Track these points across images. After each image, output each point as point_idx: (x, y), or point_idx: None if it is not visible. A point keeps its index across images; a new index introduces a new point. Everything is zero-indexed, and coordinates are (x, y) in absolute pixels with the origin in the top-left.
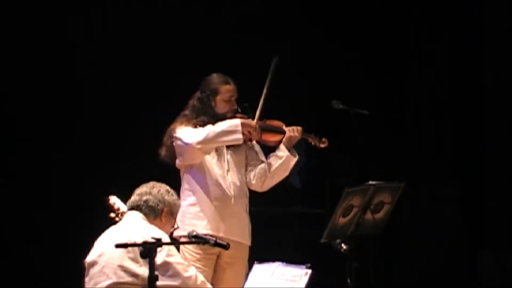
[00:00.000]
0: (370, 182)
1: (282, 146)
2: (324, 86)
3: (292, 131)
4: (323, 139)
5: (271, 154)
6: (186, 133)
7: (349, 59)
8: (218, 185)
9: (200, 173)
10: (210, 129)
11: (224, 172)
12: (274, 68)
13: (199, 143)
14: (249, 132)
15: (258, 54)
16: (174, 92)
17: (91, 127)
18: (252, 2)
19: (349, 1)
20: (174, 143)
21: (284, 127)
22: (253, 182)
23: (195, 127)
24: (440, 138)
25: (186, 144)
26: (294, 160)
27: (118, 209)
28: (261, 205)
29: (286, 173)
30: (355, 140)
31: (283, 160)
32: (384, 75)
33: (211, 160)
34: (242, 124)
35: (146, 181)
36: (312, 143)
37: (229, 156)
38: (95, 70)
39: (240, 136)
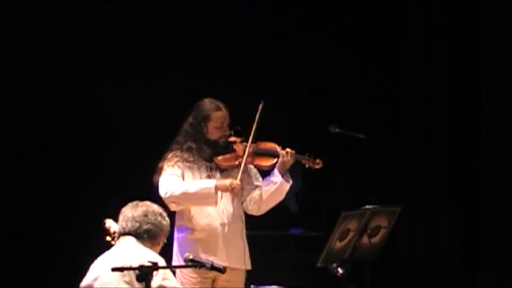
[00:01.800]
0: (367, 206)
1: (275, 171)
2: (322, 110)
3: (285, 156)
4: (317, 160)
5: (266, 179)
6: (165, 184)
7: (346, 80)
8: (211, 213)
9: None
10: (186, 189)
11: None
12: (261, 113)
13: (172, 201)
14: (232, 187)
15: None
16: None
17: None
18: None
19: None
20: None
21: (278, 150)
22: (250, 207)
23: (186, 161)
24: (437, 157)
25: (161, 196)
26: (288, 185)
27: (114, 232)
28: (257, 228)
29: (281, 198)
30: (352, 162)
31: (277, 186)
32: (380, 94)
33: None
34: (217, 187)
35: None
36: (306, 165)
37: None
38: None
39: (214, 200)
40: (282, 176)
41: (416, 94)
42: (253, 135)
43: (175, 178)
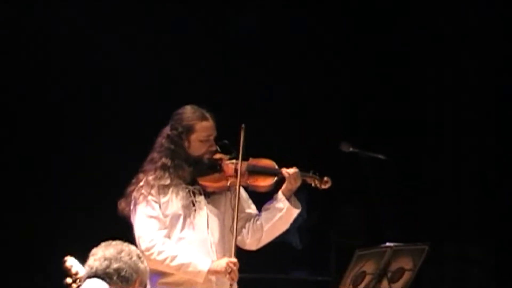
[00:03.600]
0: (387, 244)
1: (280, 195)
2: (332, 126)
3: (290, 177)
4: (325, 178)
5: (268, 206)
6: (146, 236)
7: (361, 96)
8: (196, 248)
9: (172, 234)
10: (172, 264)
11: (203, 231)
12: (244, 138)
13: (151, 259)
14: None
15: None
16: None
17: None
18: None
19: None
20: (132, 219)
21: (276, 166)
22: (247, 241)
23: (161, 187)
24: (467, 192)
25: (140, 247)
26: (296, 212)
27: (77, 273)
28: (251, 269)
29: (287, 227)
30: (367, 190)
31: (283, 214)
32: (402, 113)
33: (187, 216)
34: (210, 272)
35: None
36: (312, 184)
37: (208, 211)
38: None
39: (201, 279)
40: (289, 201)
41: (443, 112)
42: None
43: (155, 224)
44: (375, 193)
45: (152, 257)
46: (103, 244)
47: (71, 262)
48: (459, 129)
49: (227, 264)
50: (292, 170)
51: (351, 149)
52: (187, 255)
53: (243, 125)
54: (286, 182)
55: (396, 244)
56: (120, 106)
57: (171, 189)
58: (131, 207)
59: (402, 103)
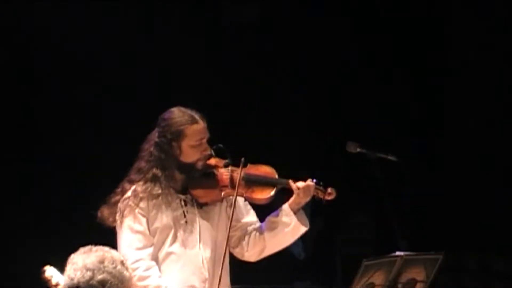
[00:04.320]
0: (398, 253)
1: (287, 209)
2: (337, 125)
3: (300, 192)
4: (329, 190)
5: (273, 218)
6: (131, 255)
7: (371, 91)
8: (186, 264)
9: (161, 249)
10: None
11: (195, 244)
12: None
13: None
14: None
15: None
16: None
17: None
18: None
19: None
20: (117, 233)
21: (276, 175)
22: (247, 253)
23: (151, 198)
24: (490, 198)
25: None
26: (304, 229)
27: (57, 284)
28: (250, 281)
29: (290, 243)
30: (376, 195)
31: (289, 230)
32: (418, 109)
33: (178, 228)
34: None
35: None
36: (315, 196)
37: (201, 223)
38: None
39: None
40: (295, 215)
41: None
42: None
43: (141, 242)
44: (385, 198)
45: (135, 278)
46: (82, 250)
47: (50, 272)
48: (482, 129)
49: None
50: (302, 184)
51: (358, 149)
52: (166, 283)
53: (242, 159)
54: (294, 195)
55: (407, 253)
56: (105, 107)
57: (161, 199)
58: (117, 218)
59: (419, 101)
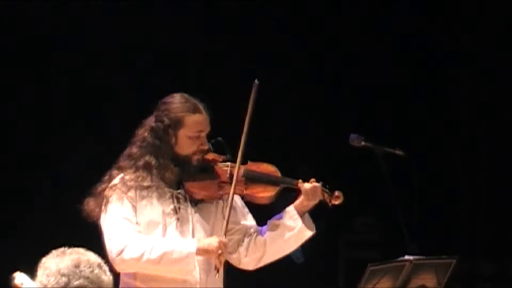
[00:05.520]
0: (406, 257)
1: (292, 211)
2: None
3: (309, 191)
4: (337, 193)
5: (276, 221)
6: (116, 237)
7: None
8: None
9: None
10: (152, 256)
11: None
12: (255, 96)
13: (124, 266)
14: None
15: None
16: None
17: None
18: None
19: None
20: (102, 221)
21: (279, 174)
22: (245, 259)
23: (140, 188)
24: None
25: (111, 251)
26: (309, 234)
27: None
28: (247, 286)
29: (294, 249)
30: (382, 193)
31: (293, 233)
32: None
33: (167, 225)
34: (199, 252)
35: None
36: (320, 199)
37: (194, 221)
38: None
39: (191, 275)
40: (301, 217)
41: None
42: (242, 152)
43: (128, 226)
44: (392, 197)
45: (127, 257)
46: (54, 253)
47: (21, 279)
48: (497, 128)
49: (219, 243)
50: (312, 184)
51: (363, 143)
52: (166, 242)
53: (256, 81)
54: (302, 196)
55: (416, 257)
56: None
57: (151, 191)
58: (102, 207)
59: (436, 101)
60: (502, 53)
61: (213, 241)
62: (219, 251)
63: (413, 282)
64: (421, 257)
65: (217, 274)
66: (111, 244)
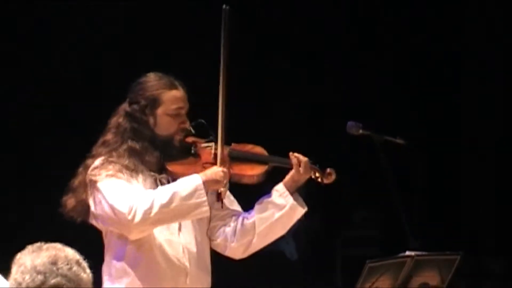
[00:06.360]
0: (407, 253)
1: (281, 188)
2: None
3: (298, 165)
4: (328, 170)
5: (264, 200)
6: (122, 198)
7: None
8: (163, 253)
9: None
10: (164, 200)
11: (173, 231)
12: (226, 24)
13: (142, 223)
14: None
15: None
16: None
17: None
18: None
19: None
20: (94, 202)
21: (266, 152)
22: (232, 244)
23: (125, 170)
24: None
25: (121, 219)
26: (302, 212)
27: None
28: (235, 284)
29: (286, 230)
30: (382, 186)
31: (284, 212)
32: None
33: None
34: (208, 183)
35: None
36: (312, 176)
37: None
38: None
39: (206, 208)
40: (292, 195)
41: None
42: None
43: (127, 185)
44: (392, 189)
45: (140, 211)
46: (30, 248)
47: None
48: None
49: (223, 172)
50: (300, 158)
51: (361, 131)
52: (170, 186)
53: (225, 6)
54: (293, 171)
55: (418, 253)
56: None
57: (135, 175)
58: (89, 191)
59: (438, 93)
60: (502, 53)
61: (217, 171)
62: (225, 181)
63: (415, 280)
64: (424, 253)
65: (222, 205)
66: (116, 212)
